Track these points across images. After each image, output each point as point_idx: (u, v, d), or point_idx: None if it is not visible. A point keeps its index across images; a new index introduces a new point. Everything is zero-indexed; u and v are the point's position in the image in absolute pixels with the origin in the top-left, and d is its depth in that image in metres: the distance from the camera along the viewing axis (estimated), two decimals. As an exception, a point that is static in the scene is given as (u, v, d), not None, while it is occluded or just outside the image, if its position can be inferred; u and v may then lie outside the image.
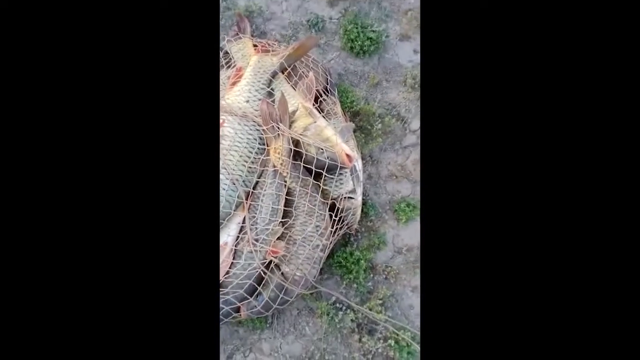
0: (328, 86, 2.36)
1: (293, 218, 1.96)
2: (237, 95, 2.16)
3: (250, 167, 2.02)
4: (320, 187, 2.01)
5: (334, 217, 1.99)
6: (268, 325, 2.11)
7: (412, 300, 2.20)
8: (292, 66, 2.29)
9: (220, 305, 1.86)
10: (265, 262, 1.90)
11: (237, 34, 2.46)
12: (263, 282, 1.90)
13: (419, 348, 1.95)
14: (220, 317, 1.90)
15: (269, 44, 2.40)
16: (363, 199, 2.20)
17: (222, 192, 1.92)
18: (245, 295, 1.87)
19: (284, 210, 1.97)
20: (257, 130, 2.08)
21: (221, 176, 1.95)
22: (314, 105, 2.23)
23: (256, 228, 1.92)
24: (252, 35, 2.48)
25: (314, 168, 1.96)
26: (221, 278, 1.87)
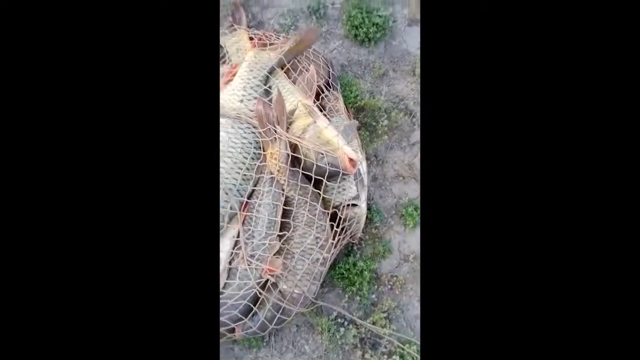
0: (330, 80, 2.18)
1: (291, 230, 1.82)
2: (230, 94, 2.00)
3: (245, 175, 1.87)
4: (320, 195, 1.85)
5: (335, 228, 1.84)
6: (265, 344, 2.00)
7: (419, 311, 2.07)
8: (291, 61, 2.11)
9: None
10: (261, 282, 1.77)
11: (232, 25, 2.28)
12: (259, 302, 1.78)
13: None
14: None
15: (266, 37, 2.22)
16: (367, 204, 2.05)
17: (214, 203, 1.78)
18: (240, 316, 1.76)
19: (281, 221, 1.83)
20: (253, 133, 1.93)
21: (214, 185, 1.81)
22: (314, 102, 2.06)
23: (252, 243, 1.78)
24: (248, 26, 2.30)
25: (313, 175, 1.80)
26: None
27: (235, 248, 1.79)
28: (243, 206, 1.86)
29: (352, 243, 2.09)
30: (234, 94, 2.00)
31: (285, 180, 1.85)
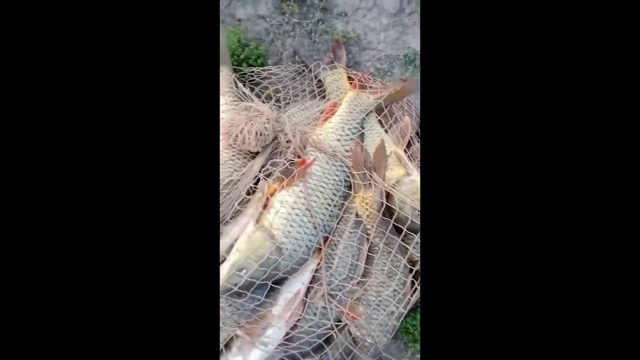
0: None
1: (372, 277, 1.82)
2: (329, 131, 2.04)
3: (332, 212, 1.89)
4: (408, 250, 1.86)
5: (416, 285, 1.84)
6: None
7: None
8: (387, 108, 2.16)
9: (283, 358, 1.75)
10: (339, 325, 1.77)
11: (332, 62, 2.33)
12: (333, 343, 1.77)
13: None
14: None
15: (365, 79, 2.27)
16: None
17: (303, 235, 1.79)
18: (310, 352, 1.75)
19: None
20: (344, 172, 1.96)
21: (304, 218, 1.82)
22: (405, 152, 2.09)
23: (331, 281, 1.79)
24: (347, 66, 2.35)
25: (405, 229, 1.81)
26: (288, 330, 1.75)
27: (316, 284, 1.80)
28: (326, 243, 1.87)
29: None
30: (333, 132, 2.03)
31: (373, 227, 1.86)
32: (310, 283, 1.83)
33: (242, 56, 2.34)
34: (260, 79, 2.32)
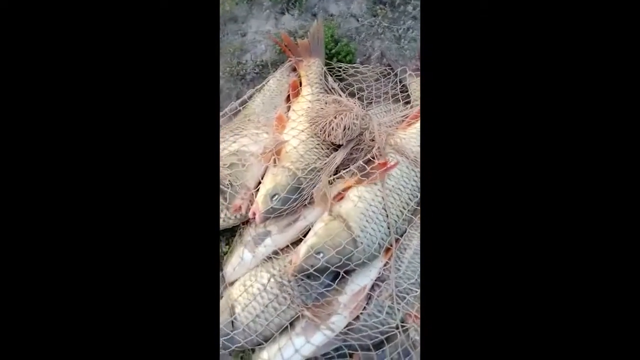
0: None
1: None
2: (412, 137, 2.09)
3: (405, 215, 1.94)
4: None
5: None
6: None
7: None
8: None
9: (341, 345, 1.80)
10: (405, 326, 1.82)
11: (419, 69, 2.38)
12: (392, 343, 1.82)
13: None
14: (331, 352, 1.84)
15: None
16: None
17: (377, 232, 1.85)
18: (370, 345, 1.80)
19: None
20: (422, 179, 2.01)
21: (380, 216, 1.88)
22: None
23: (399, 283, 1.84)
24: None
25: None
26: (350, 320, 1.81)
27: (384, 283, 1.85)
28: (397, 244, 1.92)
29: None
30: (416, 139, 2.08)
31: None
32: (376, 280, 1.88)
33: (333, 51, 2.40)
34: (347, 75, 2.38)
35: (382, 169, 1.92)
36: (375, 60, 2.49)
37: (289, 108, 2.28)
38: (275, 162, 1.95)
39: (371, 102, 2.34)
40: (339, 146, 2.06)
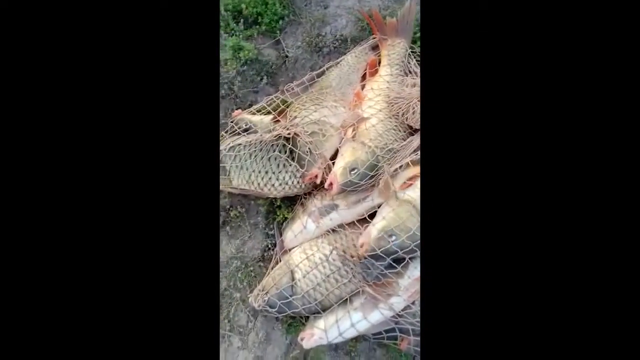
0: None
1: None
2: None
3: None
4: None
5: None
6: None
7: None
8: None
9: (394, 327, 1.82)
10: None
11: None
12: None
13: None
14: (382, 332, 1.85)
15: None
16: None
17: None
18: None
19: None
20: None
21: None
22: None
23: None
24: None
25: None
26: (408, 304, 1.81)
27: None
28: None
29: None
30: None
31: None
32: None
33: (417, 35, 2.37)
34: (426, 61, 2.34)
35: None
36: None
37: (363, 86, 2.27)
38: (354, 136, 1.94)
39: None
40: (416, 130, 2.05)
